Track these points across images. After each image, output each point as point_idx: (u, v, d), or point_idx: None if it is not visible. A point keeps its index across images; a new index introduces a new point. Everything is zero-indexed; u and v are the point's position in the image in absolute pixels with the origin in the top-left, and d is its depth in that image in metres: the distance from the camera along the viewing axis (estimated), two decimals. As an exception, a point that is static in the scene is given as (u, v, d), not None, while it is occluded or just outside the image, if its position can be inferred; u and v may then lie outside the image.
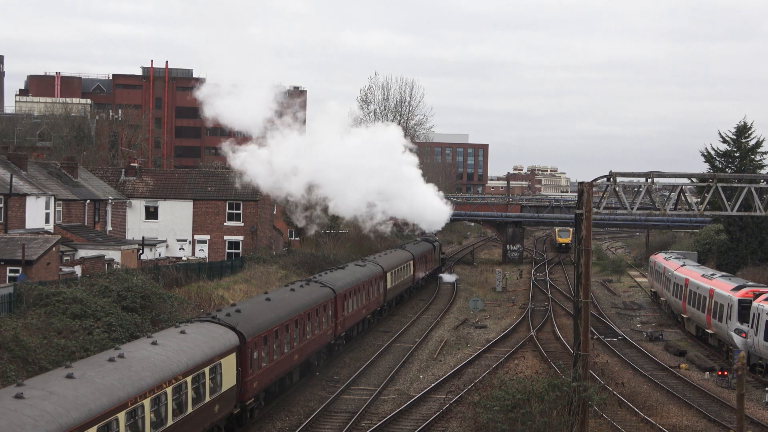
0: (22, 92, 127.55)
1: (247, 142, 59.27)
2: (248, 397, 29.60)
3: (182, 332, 26.65)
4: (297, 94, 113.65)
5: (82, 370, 21.19)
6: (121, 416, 20.57)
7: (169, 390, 23.22)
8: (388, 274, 55.49)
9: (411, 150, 74.39)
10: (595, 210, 28.91)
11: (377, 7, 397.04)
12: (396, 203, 65.46)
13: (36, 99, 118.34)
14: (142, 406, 21.71)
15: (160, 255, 63.31)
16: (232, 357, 27.90)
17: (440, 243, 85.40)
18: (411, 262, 64.54)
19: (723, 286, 46.46)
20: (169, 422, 23.24)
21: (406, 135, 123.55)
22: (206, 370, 25.76)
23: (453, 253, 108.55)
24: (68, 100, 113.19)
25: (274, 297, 35.43)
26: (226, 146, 59.20)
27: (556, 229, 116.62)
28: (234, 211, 70.70)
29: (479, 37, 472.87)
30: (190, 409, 24.60)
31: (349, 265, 52.34)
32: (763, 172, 67.12)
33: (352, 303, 45.40)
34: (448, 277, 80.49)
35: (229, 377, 27.60)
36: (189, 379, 24.51)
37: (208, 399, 25.87)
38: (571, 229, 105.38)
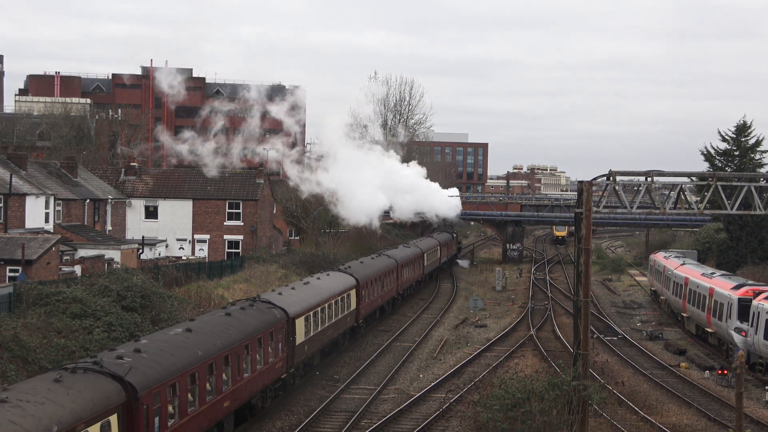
0: (22, 92, 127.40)
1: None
2: (359, 319, 47.80)
3: (327, 275, 45.09)
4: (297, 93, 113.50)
5: (296, 287, 39.18)
6: (318, 310, 38.36)
7: (332, 302, 41.05)
8: (425, 255, 71.67)
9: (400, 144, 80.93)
10: (594, 209, 28.89)
11: (375, 6, 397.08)
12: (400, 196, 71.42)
13: (36, 99, 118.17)
14: (324, 308, 39.39)
15: (159, 254, 63.30)
16: (353, 291, 45.89)
17: (457, 234, 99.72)
18: (438, 248, 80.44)
19: (723, 285, 46.43)
20: (333, 320, 40.96)
21: (406, 133, 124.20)
22: (344, 295, 43.62)
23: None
24: (68, 99, 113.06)
25: (365, 261, 54.07)
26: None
27: (554, 225, 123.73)
28: (234, 211, 70.67)
29: (477, 37, 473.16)
30: (338, 317, 42.23)
31: (399, 246, 69.97)
32: (762, 170, 67.10)
33: (406, 271, 62.69)
34: (462, 262, 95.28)
35: (352, 304, 45.46)
36: (339, 298, 42.40)
37: (345, 313, 43.73)
38: (566, 226, 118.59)
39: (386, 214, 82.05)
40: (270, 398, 32.87)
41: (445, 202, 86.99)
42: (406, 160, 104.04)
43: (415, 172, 79.57)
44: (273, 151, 71.69)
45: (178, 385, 23.43)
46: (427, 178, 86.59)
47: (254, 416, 31.37)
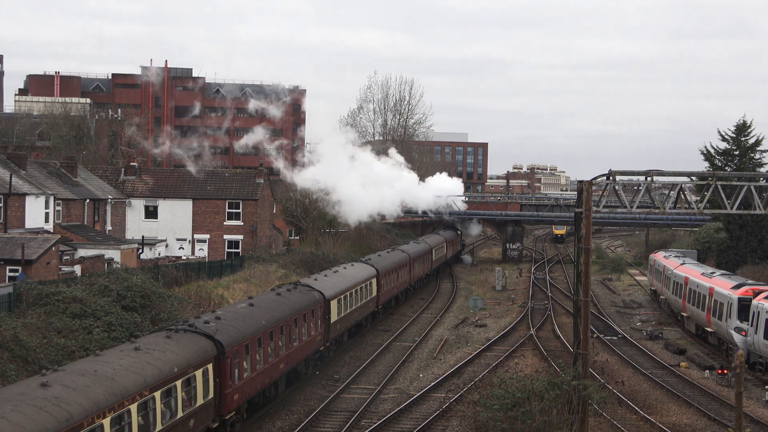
0: (22, 92, 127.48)
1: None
2: (379, 304, 53.50)
3: (352, 265, 51.24)
4: (297, 92, 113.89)
5: (327, 274, 45.52)
6: (348, 294, 44.36)
7: (358, 288, 46.92)
8: (433, 250, 76.89)
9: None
10: (594, 208, 28.89)
11: (375, 6, 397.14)
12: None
13: (35, 98, 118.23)
14: (351, 293, 45.24)
15: (159, 254, 63.28)
16: (374, 280, 51.60)
17: (462, 232, 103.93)
18: (445, 244, 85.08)
19: (723, 285, 46.41)
20: (358, 304, 46.85)
21: (405, 133, 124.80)
22: (367, 283, 49.29)
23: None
24: (67, 99, 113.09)
25: (382, 255, 60.02)
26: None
27: (554, 224, 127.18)
28: (233, 210, 70.64)
29: (475, 36, 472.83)
30: (363, 301, 48.15)
31: (410, 242, 76.00)
32: (762, 170, 67.09)
33: (417, 265, 68.18)
34: (467, 258, 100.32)
35: (373, 291, 51.18)
36: (363, 285, 48.24)
37: (368, 298, 49.56)
38: (565, 226, 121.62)
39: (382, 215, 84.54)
40: (311, 366, 39.02)
41: (433, 192, 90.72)
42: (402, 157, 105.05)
43: (387, 166, 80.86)
44: (253, 136, 73.71)
45: (250, 345, 29.47)
46: (412, 168, 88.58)
47: (299, 380, 37.28)
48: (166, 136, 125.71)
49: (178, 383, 23.67)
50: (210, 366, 26.06)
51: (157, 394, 22.32)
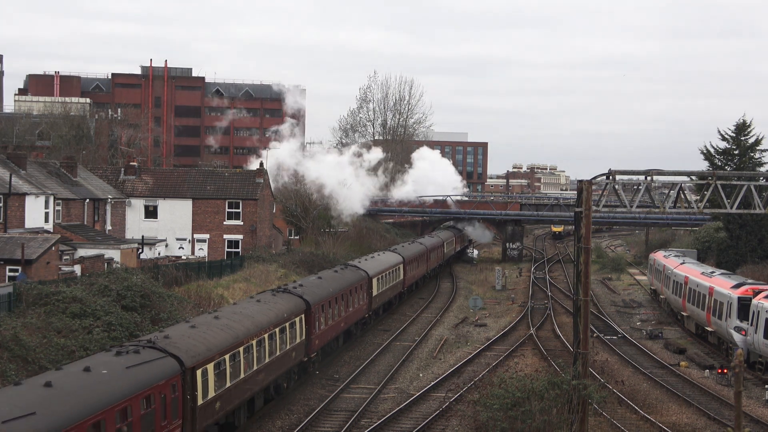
0: (22, 91, 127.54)
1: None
2: (405, 287, 62.35)
3: (384, 253, 60.65)
4: (297, 91, 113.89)
5: (367, 259, 54.85)
6: (385, 274, 54.24)
7: (390, 271, 55.47)
8: (444, 244, 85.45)
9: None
10: (594, 208, 28.88)
11: (374, 5, 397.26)
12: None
13: (35, 98, 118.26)
14: (386, 274, 54.17)
15: (159, 254, 63.26)
16: (401, 266, 60.04)
17: (465, 231, 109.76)
18: (454, 239, 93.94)
19: (722, 284, 46.41)
20: (390, 284, 56.07)
21: (404, 133, 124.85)
22: (396, 268, 58.03)
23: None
24: (67, 99, 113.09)
25: (405, 245, 69.00)
26: None
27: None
28: (233, 210, 70.60)
29: (474, 36, 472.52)
30: (393, 282, 57.03)
31: (426, 236, 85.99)
32: (762, 169, 67.01)
33: (433, 255, 77.05)
34: (471, 253, 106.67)
35: (400, 275, 59.66)
36: (393, 269, 56.95)
37: (396, 281, 58.24)
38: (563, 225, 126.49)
39: (377, 212, 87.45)
40: (359, 329, 48.84)
41: (422, 185, 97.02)
42: (399, 156, 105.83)
43: (346, 159, 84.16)
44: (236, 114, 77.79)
45: (324, 306, 39.27)
46: (390, 156, 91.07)
47: (351, 340, 46.82)
48: (166, 135, 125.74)
49: (287, 325, 33.44)
50: (303, 316, 35.86)
51: (277, 330, 32.12)
